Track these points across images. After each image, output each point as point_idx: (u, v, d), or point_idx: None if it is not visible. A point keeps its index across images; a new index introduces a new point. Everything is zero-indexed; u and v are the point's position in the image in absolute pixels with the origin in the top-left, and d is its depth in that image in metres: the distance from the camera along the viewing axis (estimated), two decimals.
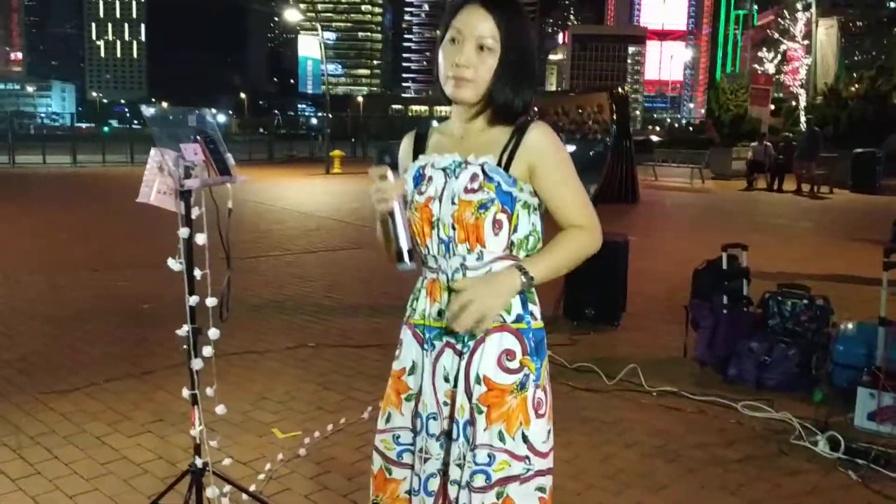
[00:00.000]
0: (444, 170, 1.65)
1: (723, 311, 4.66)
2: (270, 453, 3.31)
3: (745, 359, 4.43)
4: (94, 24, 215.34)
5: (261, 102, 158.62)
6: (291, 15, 45.71)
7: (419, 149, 1.76)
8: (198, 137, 2.27)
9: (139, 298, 6.32)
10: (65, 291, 6.65)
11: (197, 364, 2.29)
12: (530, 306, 1.64)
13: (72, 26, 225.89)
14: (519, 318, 1.61)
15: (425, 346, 1.67)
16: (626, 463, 3.37)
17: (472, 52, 1.58)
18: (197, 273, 2.36)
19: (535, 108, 16.46)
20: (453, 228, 1.60)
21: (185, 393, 2.34)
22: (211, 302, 2.36)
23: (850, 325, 4.37)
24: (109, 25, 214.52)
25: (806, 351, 4.40)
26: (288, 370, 4.55)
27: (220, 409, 2.52)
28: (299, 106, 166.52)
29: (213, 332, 2.36)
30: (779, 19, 42.32)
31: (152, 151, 2.24)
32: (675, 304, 6.33)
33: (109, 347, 4.98)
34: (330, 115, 31.98)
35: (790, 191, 18.40)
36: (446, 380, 1.64)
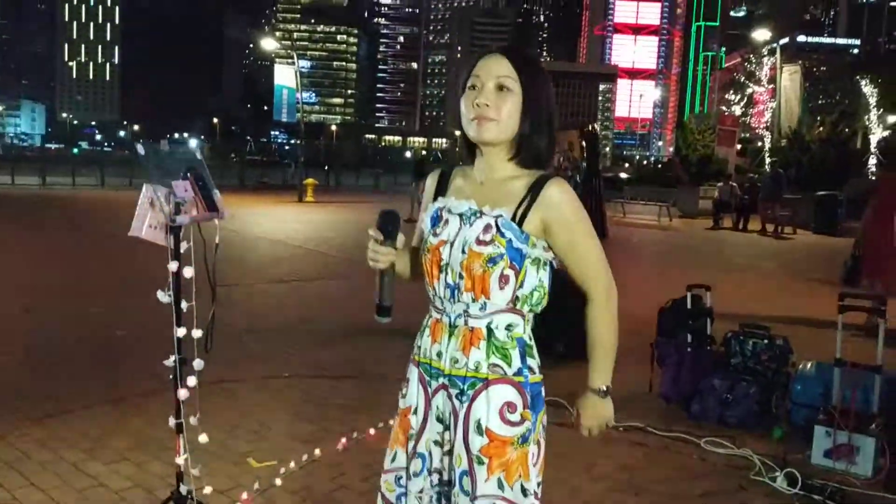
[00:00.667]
0: (460, 216, 1.69)
1: (687, 350, 4.82)
2: (246, 482, 3.36)
3: (709, 396, 4.58)
4: (66, 45, 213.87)
5: (233, 128, 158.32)
6: (267, 44, 45.87)
7: (442, 188, 1.79)
8: (188, 174, 2.36)
9: (112, 325, 6.32)
10: (36, 315, 6.63)
11: (183, 394, 2.35)
12: (529, 360, 1.68)
13: (43, 46, 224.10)
14: (519, 372, 1.66)
15: (426, 386, 1.73)
16: (593, 496, 3.47)
17: (491, 92, 1.64)
18: (183, 305, 2.44)
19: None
20: (461, 276, 1.64)
21: (172, 422, 2.40)
22: (196, 334, 2.44)
23: (808, 366, 4.55)
24: (83, 47, 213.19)
25: (766, 389, 4.56)
26: (262, 400, 4.60)
27: (202, 438, 2.59)
28: (272, 133, 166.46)
29: (198, 363, 2.44)
30: (745, 63, 43.55)
31: (144, 187, 2.33)
32: (642, 341, 6.48)
33: (82, 374, 4.98)
34: (303, 143, 32.12)
35: (755, 231, 18.84)
36: (439, 420, 1.70)
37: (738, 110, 39.72)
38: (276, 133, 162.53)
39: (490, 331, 1.65)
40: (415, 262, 1.82)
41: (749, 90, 40.34)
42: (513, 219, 1.64)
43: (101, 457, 3.63)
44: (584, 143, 15.33)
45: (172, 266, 2.30)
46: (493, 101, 1.64)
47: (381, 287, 1.69)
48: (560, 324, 5.66)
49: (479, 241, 1.63)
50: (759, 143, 38.43)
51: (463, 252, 1.64)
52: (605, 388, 1.76)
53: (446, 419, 1.69)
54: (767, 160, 28.17)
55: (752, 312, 7.44)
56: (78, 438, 3.83)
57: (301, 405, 4.53)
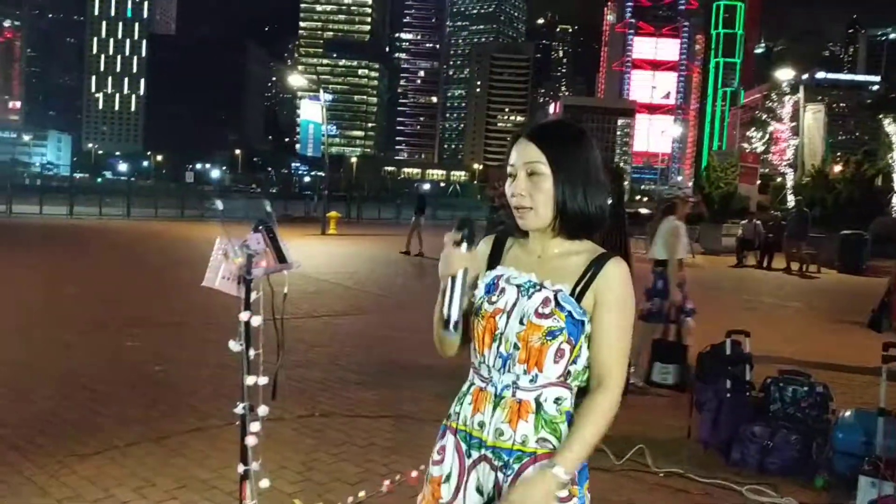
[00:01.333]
0: (518, 287, 1.69)
1: (726, 395, 4.82)
2: None
3: (749, 443, 4.57)
4: (94, 77, 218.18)
5: (255, 159, 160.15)
6: (295, 80, 46.62)
7: (496, 256, 1.79)
8: (261, 228, 2.44)
9: (149, 360, 6.41)
10: (75, 350, 6.73)
11: (251, 441, 2.41)
12: None
13: (71, 78, 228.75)
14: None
15: (462, 456, 1.71)
16: None
17: (524, 181, 1.67)
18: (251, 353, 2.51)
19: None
20: (516, 347, 1.64)
21: (240, 469, 2.45)
22: (262, 381, 2.50)
23: (848, 413, 4.54)
24: (109, 79, 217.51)
25: (807, 437, 4.54)
26: (303, 440, 4.65)
27: (263, 483, 2.63)
28: (293, 165, 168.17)
29: (263, 410, 2.50)
30: (766, 100, 43.62)
31: (218, 240, 2.41)
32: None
33: (124, 410, 5.05)
34: (325, 175, 32.45)
35: (779, 269, 18.72)
36: (479, 491, 1.69)
37: (759, 147, 39.71)
38: (297, 165, 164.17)
39: (539, 404, 1.64)
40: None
41: (770, 127, 40.36)
42: (572, 294, 1.64)
43: (150, 496, 3.68)
44: (609, 181, 15.37)
45: (244, 316, 2.38)
46: (527, 190, 1.66)
47: (450, 296, 1.64)
48: None
49: (538, 314, 1.63)
50: (780, 180, 38.36)
51: (521, 323, 1.64)
52: (564, 474, 1.58)
53: (488, 491, 1.68)
54: (790, 198, 28.09)
55: (784, 355, 7.42)
56: (126, 477, 3.89)
57: (342, 446, 4.57)
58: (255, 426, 2.50)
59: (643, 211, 38.71)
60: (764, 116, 41.71)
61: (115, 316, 8.37)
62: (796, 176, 33.11)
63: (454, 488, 1.71)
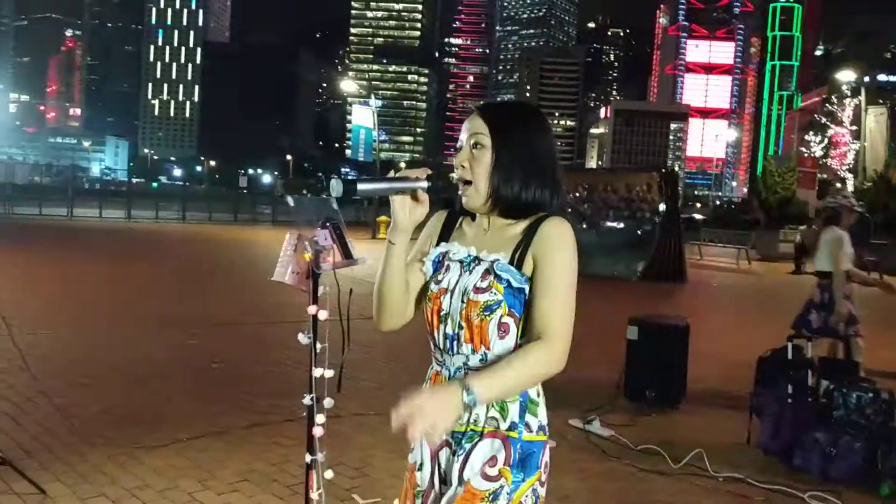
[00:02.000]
0: (460, 262, 1.62)
1: (787, 401, 4.73)
2: None
3: (811, 449, 4.48)
4: (150, 84, 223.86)
5: (305, 165, 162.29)
6: (347, 85, 47.21)
7: (447, 232, 1.72)
8: (328, 224, 2.50)
9: (208, 357, 6.56)
10: (137, 346, 6.93)
11: (318, 432, 2.46)
12: (528, 417, 1.57)
13: (129, 85, 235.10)
14: (512, 427, 1.56)
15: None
16: None
17: (466, 152, 1.61)
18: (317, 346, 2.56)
19: (586, 185, 16.75)
20: (460, 327, 1.57)
21: (308, 458, 2.50)
22: (328, 374, 2.55)
23: None
24: (165, 86, 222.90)
25: (871, 444, 4.43)
26: (360, 437, 4.71)
27: (328, 475, 2.68)
28: (342, 170, 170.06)
29: (328, 402, 2.55)
30: (826, 104, 42.55)
31: (288, 235, 2.47)
32: (732, 388, 6.40)
33: (186, 405, 5.18)
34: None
35: None
36: (442, 480, 1.63)
37: (818, 152, 38.77)
38: (346, 170, 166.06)
39: None
40: (406, 278, 1.70)
41: (830, 131, 39.36)
42: (511, 262, 1.55)
43: (214, 487, 3.77)
44: (663, 185, 15.20)
45: (311, 309, 2.43)
46: (468, 161, 1.60)
47: (376, 187, 1.57)
48: (650, 370, 5.66)
49: (476, 289, 1.55)
50: (838, 185, 37.35)
51: (462, 301, 1.57)
52: (472, 392, 1.42)
53: (449, 477, 1.61)
54: None
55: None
56: (191, 469, 3.99)
57: (398, 442, 4.59)
58: (320, 418, 2.55)
59: (697, 217, 38.24)
60: (823, 120, 40.69)
61: (173, 314, 8.58)
62: (857, 181, 32.22)
63: (427, 475, 1.67)
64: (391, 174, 1.64)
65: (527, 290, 1.54)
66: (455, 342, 1.58)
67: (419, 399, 1.43)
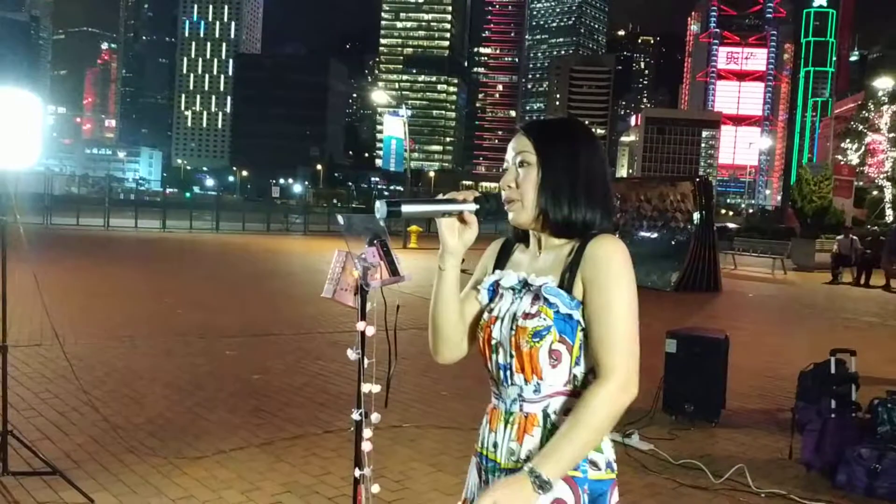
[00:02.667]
0: (511, 289, 1.57)
1: (830, 416, 4.67)
2: None
3: (855, 465, 4.41)
4: (183, 96, 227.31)
5: (336, 174, 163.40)
6: (378, 96, 47.58)
7: (503, 260, 1.68)
8: (375, 242, 2.53)
9: (247, 368, 6.64)
10: (177, 357, 7.03)
11: (367, 447, 2.49)
12: (593, 454, 1.48)
13: (163, 97, 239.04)
14: (575, 466, 1.45)
15: (482, 479, 1.60)
16: None
17: (513, 172, 1.57)
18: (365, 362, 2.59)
19: (618, 194, 16.67)
20: (511, 356, 1.51)
21: (357, 473, 2.53)
22: (376, 389, 2.58)
23: None
24: (198, 97, 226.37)
25: None
26: (399, 449, 4.73)
27: (375, 489, 2.71)
28: (372, 179, 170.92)
29: (375, 417, 2.57)
30: (862, 110, 41.83)
31: (336, 253, 2.51)
32: (772, 402, 6.34)
33: (227, 416, 5.25)
34: (404, 190, 32.86)
35: (878, 286, 17.95)
36: None
37: (854, 159, 38.14)
38: (376, 180, 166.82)
39: (546, 416, 1.49)
40: (460, 309, 1.66)
41: (867, 138, 38.69)
42: (561, 284, 1.48)
43: (257, 499, 3.82)
44: (698, 194, 15.06)
45: (360, 326, 2.46)
46: (515, 180, 1.56)
47: (422, 209, 1.56)
48: (689, 384, 5.61)
49: (525, 315, 1.49)
50: (876, 193, 36.74)
51: (512, 328, 1.51)
52: (545, 479, 1.37)
53: None
54: (889, 212, 26.88)
55: (890, 376, 7.12)
56: (234, 480, 4.05)
57: (438, 456, 4.63)
58: (367, 433, 2.58)
59: (730, 225, 37.80)
60: (859, 127, 40.00)
61: (211, 325, 8.69)
62: (895, 190, 31.66)
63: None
64: (441, 196, 1.60)
65: (578, 315, 1.47)
66: (507, 372, 1.53)
67: (489, 498, 1.38)
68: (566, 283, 1.48)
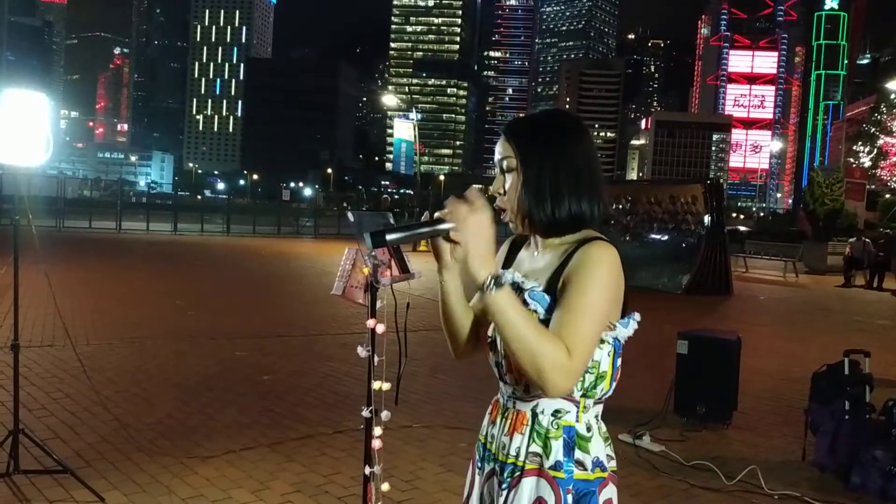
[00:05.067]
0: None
1: (844, 417, 4.63)
2: None
3: (870, 468, 4.37)
4: (194, 100, 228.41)
5: (346, 178, 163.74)
6: (388, 100, 47.61)
7: (509, 260, 1.69)
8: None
9: (257, 369, 6.65)
10: (188, 358, 7.04)
11: (377, 444, 2.49)
12: (578, 454, 1.48)
13: (174, 101, 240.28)
14: (557, 466, 1.46)
15: (478, 466, 1.63)
16: None
17: (500, 179, 1.57)
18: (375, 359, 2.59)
19: (629, 197, 16.63)
20: (502, 356, 1.53)
21: (367, 470, 2.53)
22: (386, 386, 2.58)
23: None
24: (209, 101, 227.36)
25: None
26: (408, 449, 4.72)
27: (385, 487, 2.70)
28: (382, 182, 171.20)
29: (385, 414, 2.57)
30: (874, 113, 41.56)
31: (347, 251, 2.51)
32: (784, 404, 6.30)
33: (237, 416, 5.25)
34: (413, 193, 32.90)
35: (890, 290, 17.82)
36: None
37: (867, 162, 37.89)
38: (386, 183, 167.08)
39: (535, 415, 1.50)
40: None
41: (879, 141, 38.44)
42: (547, 289, 1.49)
43: (267, 499, 3.81)
44: (709, 196, 14.99)
45: (370, 323, 2.46)
46: (500, 187, 1.56)
47: (405, 235, 1.51)
48: (700, 385, 5.58)
49: None
50: (889, 196, 36.49)
51: None
52: (492, 288, 1.37)
53: None
54: None
55: None
56: (244, 479, 4.04)
57: (447, 456, 4.62)
58: (377, 430, 2.58)
59: (742, 228, 37.64)
60: (872, 130, 39.71)
61: (221, 326, 8.70)
62: None
63: (466, 497, 1.67)
64: (424, 217, 1.57)
65: None
66: (501, 370, 1.55)
67: (474, 218, 1.41)
68: (552, 287, 1.48)
